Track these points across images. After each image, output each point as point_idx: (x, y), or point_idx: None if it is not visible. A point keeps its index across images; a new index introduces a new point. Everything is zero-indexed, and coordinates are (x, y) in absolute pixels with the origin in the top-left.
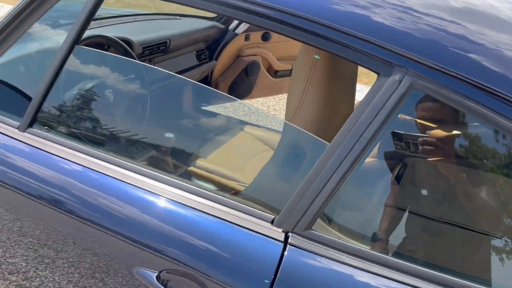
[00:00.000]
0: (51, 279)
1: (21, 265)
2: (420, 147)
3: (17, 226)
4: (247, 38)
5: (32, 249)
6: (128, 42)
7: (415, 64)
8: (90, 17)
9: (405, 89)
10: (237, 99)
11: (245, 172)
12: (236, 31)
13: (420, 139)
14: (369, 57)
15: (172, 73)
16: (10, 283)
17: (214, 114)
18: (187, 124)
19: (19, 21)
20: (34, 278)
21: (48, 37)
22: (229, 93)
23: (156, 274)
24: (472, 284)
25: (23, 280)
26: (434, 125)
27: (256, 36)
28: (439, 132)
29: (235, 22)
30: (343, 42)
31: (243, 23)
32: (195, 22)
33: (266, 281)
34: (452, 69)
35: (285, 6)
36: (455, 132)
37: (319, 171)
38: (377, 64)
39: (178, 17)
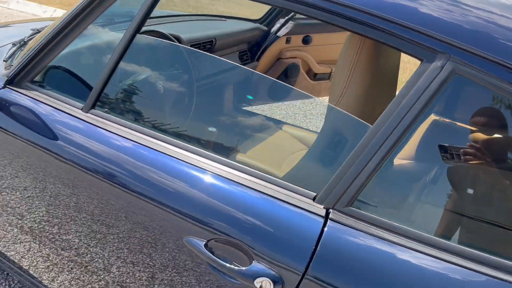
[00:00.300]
0: (101, 255)
1: (74, 241)
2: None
3: (73, 201)
4: (288, 41)
5: (85, 225)
6: (177, 38)
7: (457, 50)
8: (149, 12)
9: (447, 74)
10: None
11: (282, 168)
12: (278, 34)
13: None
14: (412, 43)
15: (232, 62)
16: (62, 258)
17: (256, 113)
18: (233, 115)
19: (82, 17)
20: (85, 254)
21: (107, 32)
22: None
23: (204, 242)
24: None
25: (75, 256)
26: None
27: (297, 39)
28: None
29: (278, 25)
30: (387, 30)
31: (285, 27)
32: (239, 24)
33: (308, 252)
34: (495, 55)
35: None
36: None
37: (361, 151)
38: (420, 51)
39: (223, 19)
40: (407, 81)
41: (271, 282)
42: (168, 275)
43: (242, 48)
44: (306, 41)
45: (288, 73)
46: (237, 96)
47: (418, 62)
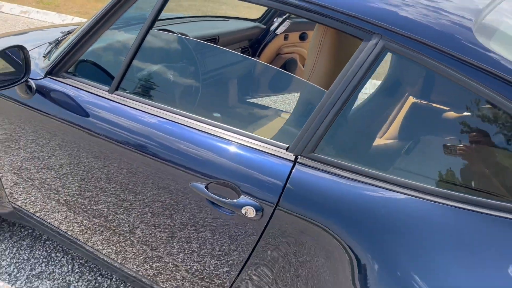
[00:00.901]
0: (127, 220)
1: (104, 210)
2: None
3: (104, 173)
4: (286, 38)
5: (114, 194)
6: (185, 36)
7: (387, 31)
8: (159, 12)
9: (380, 49)
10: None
11: (268, 133)
12: (276, 32)
13: None
14: (353, 27)
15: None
16: (94, 224)
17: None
18: (233, 95)
19: (103, 21)
20: (113, 220)
21: (124, 31)
22: None
23: (205, 185)
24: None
25: (105, 222)
26: None
27: (294, 36)
28: None
29: (276, 23)
30: (335, 17)
31: (283, 25)
32: (240, 23)
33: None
34: (415, 35)
35: None
36: None
37: (320, 110)
38: (360, 33)
39: (226, 19)
40: (352, 56)
41: (254, 210)
42: (183, 221)
43: (244, 45)
44: (302, 37)
45: (286, 67)
46: (239, 80)
47: None
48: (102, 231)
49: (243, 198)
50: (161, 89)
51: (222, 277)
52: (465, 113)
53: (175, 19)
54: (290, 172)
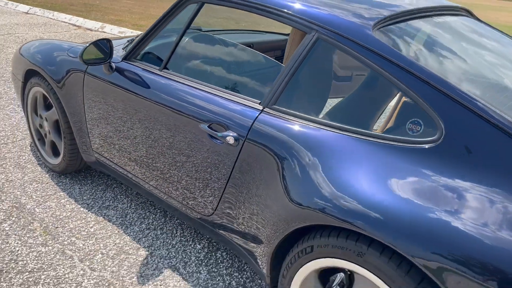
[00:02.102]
0: (172, 168)
1: (158, 163)
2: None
3: (153, 126)
4: None
5: (166, 152)
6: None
7: (321, 28)
8: (192, 20)
9: (315, 39)
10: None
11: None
12: None
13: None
14: (300, 24)
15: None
16: (151, 173)
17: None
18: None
19: (158, 26)
20: (159, 162)
21: (171, 33)
22: None
23: (207, 125)
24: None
25: (154, 163)
26: None
27: None
28: None
29: None
30: (290, 18)
31: None
32: (275, 36)
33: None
34: (338, 30)
35: (261, 2)
36: None
37: (279, 78)
38: (304, 28)
39: (263, 32)
40: (301, 42)
41: (233, 139)
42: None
43: (277, 54)
44: None
45: None
46: (238, 63)
47: None
48: (156, 176)
49: (228, 132)
50: (187, 68)
51: (216, 185)
52: (360, 77)
53: (218, 31)
54: (257, 116)
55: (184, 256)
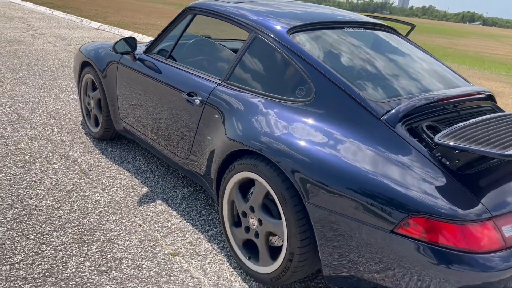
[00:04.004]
0: (165, 118)
1: (161, 126)
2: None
3: (157, 98)
4: None
5: (168, 118)
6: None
7: (256, 29)
8: (187, 26)
9: (253, 37)
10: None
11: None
12: None
13: None
14: (245, 27)
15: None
16: (157, 129)
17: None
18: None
19: (165, 32)
20: (160, 122)
21: (174, 37)
22: None
23: (186, 93)
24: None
25: (157, 126)
26: None
27: None
28: None
29: None
30: (240, 23)
31: None
32: None
33: (201, 98)
34: (269, 32)
35: (225, 13)
36: None
37: (235, 60)
38: (248, 29)
39: None
40: (246, 39)
41: (199, 101)
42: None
43: None
44: None
45: None
46: (211, 53)
47: None
48: (154, 128)
49: (197, 97)
50: (180, 57)
51: (190, 134)
52: (279, 63)
53: (221, 39)
54: (215, 87)
55: (173, 194)
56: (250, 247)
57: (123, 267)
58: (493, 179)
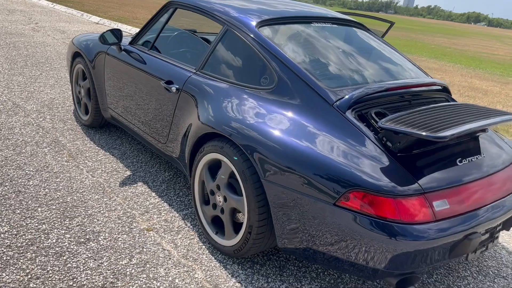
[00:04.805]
0: (145, 105)
1: (141, 112)
2: None
3: (141, 87)
4: None
5: (145, 103)
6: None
7: (227, 22)
8: (168, 20)
9: (226, 29)
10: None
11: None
12: None
13: None
14: (219, 20)
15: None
16: (141, 116)
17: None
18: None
19: (148, 25)
20: (142, 109)
21: (156, 29)
22: None
23: (165, 81)
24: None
25: (140, 112)
26: None
27: None
28: None
29: None
30: (214, 17)
31: None
32: None
33: (177, 86)
34: (241, 27)
35: (200, 7)
36: None
37: (202, 53)
38: (221, 22)
39: None
40: (220, 31)
41: (175, 88)
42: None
43: None
44: None
45: None
46: (189, 44)
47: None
48: (137, 115)
49: (174, 85)
50: (161, 48)
51: (168, 120)
52: (248, 54)
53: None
54: (190, 76)
55: (155, 177)
56: (218, 224)
57: (100, 239)
58: (430, 161)
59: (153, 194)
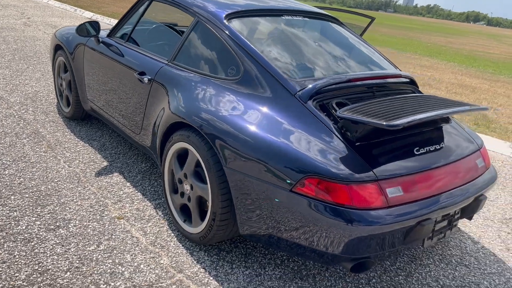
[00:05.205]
0: (121, 95)
1: (119, 104)
2: None
3: (118, 78)
4: None
5: (124, 95)
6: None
7: (198, 14)
8: (144, 11)
9: (196, 21)
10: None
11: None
12: None
13: None
14: (190, 12)
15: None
16: (117, 107)
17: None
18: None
19: (127, 16)
20: (118, 98)
21: (132, 22)
22: None
23: (138, 72)
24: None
25: (116, 101)
26: None
27: None
28: None
29: None
30: (186, 9)
31: None
32: None
33: (150, 76)
34: (211, 18)
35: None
36: None
37: (174, 46)
38: (192, 14)
39: None
40: (191, 22)
41: (148, 79)
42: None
43: None
44: None
45: None
46: (164, 37)
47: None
48: (114, 106)
49: (146, 76)
50: (136, 40)
51: (141, 110)
52: (216, 45)
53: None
54: (161, 67)
55: (131, 168)
56: (186, 212)
57: (70, 226)
58: (387, 150)
59: (128, 184)
